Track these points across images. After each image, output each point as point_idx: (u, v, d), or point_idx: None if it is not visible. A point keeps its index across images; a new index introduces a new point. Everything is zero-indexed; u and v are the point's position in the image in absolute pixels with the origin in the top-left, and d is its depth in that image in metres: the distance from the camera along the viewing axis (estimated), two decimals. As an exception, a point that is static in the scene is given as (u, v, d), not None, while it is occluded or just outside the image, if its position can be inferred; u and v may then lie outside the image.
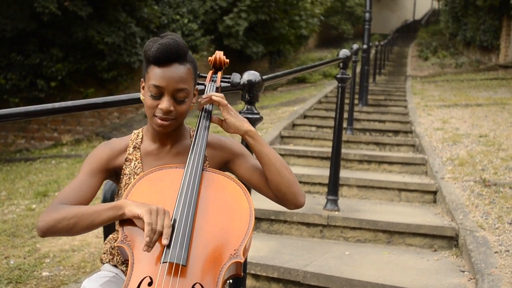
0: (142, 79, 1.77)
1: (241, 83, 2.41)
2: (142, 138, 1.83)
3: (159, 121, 1.70)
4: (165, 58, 1.66)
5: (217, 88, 1.89)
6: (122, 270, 1.80)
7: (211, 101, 1.79)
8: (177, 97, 1.69)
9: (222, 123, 1.80)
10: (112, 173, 1.81)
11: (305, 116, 8.73)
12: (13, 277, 3.73)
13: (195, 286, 1.50)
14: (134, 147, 1.81)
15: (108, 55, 11.70)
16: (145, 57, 1.71)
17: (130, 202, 1.59)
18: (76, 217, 1.60)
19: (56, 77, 11.62)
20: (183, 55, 1.69)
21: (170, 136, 1.80)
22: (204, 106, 1.83)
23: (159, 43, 1.67)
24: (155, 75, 1.67)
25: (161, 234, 1.53)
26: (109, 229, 2.00)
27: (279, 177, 1.75)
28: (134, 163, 1.79)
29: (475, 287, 3.11)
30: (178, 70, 1.68)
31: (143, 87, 1.75)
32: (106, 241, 1.88)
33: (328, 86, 13.49)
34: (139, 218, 1.55)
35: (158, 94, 1.68)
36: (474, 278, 3.25)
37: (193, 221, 1.59)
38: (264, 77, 2.52)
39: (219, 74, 1.94)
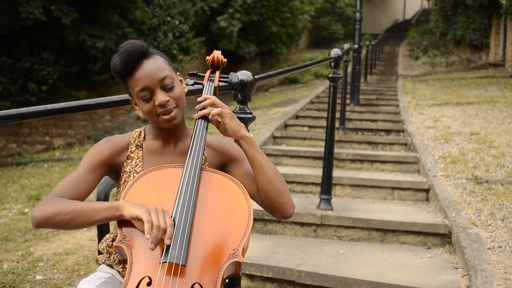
0: (130, 98, 1.81)
1: (234, 82, 2.41)
2: (144, 137, 1.84)
3: (165, 116, 1.73)
4: (132, 61, 1.70)
5: (215, 87, 1.89)
6: (118, 271, 1.79)
7: (209, 113, 1.78)
8: (165, 85, 1.72)
9: (219, 125, 1.80)
10: (113, 169, 1.81)
11: (297, 117, 8.74)
12: (7, 282, 3.71)
13: (194, 286, 1.49)
14: (137, 146, 1.82)
15: (100, 59, 11.66)
16: (117, 75, 1.75)
17: (129, 204, 1.59)
18: (72, 213, 1.60)
19: (47, 81, 11.55)
20: (146, 50, 1.73)
21: (173, 134, 1.82)
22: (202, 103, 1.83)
23: (119, 54, 1.72)
24: (135, 81, 1.71)
25: (163, 231, 1.51)
26: (103, 230, 1.99)
27: (269, 185, 1.76)
28: (135, 161, 1.80)
29: (469, 284, 3.12)
30: (150, 64, 1.72)
31: (135, 103, 1.79)
32: (102, 241, 1.88)
33: (319, 86, 13.53)
34: (138, 219, 1.54)
35: (149, 94, 1.72)
36: (467, 275, 3.27)
37: (192, 221, 1.59)
38: (256, 76, 2.53)
39: (217, 73, 1.94)
